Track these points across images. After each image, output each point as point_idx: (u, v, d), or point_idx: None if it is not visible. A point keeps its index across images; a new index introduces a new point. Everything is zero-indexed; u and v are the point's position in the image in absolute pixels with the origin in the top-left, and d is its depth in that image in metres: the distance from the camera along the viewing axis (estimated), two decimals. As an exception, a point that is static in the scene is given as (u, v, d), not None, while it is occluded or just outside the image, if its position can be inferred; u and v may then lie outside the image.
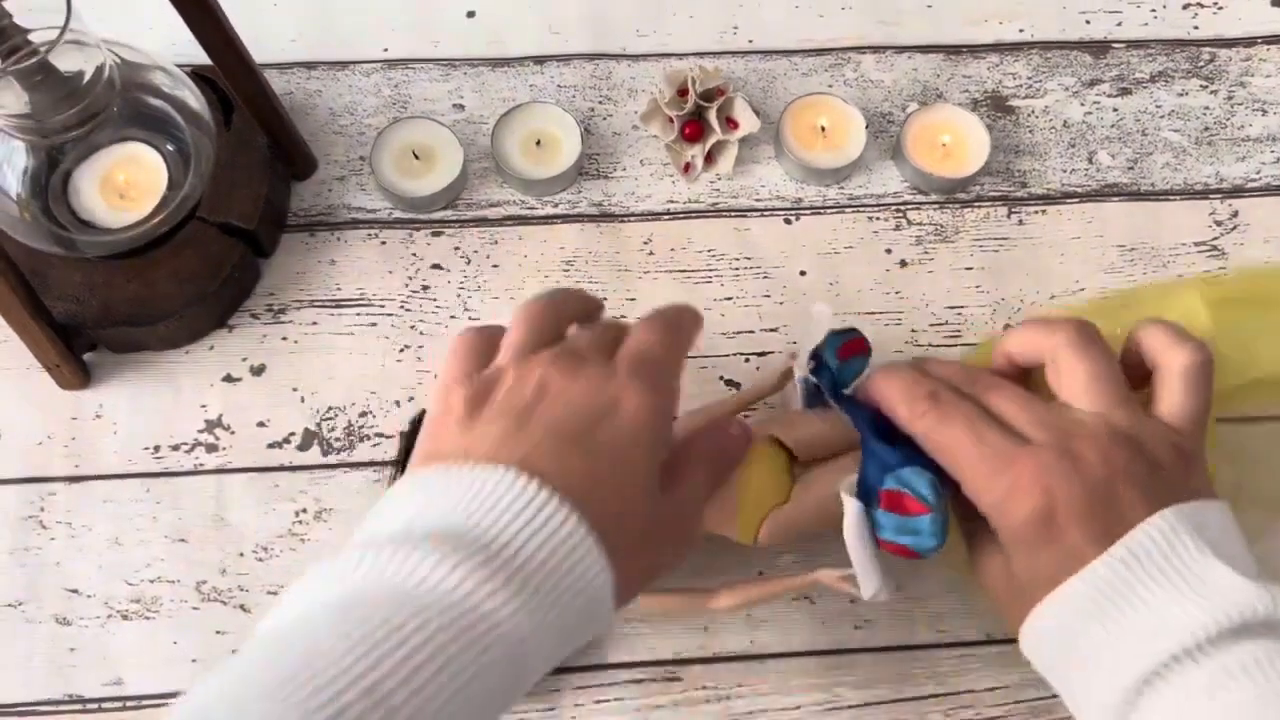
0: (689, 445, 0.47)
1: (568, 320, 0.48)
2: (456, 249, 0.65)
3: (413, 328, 0.63)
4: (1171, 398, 0.46)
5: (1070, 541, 0.43)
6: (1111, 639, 0.42)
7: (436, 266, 0.65)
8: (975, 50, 0.71)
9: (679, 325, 0.48)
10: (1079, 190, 0.67)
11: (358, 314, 0.64)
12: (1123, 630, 0.41)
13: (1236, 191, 0.68)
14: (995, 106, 0.70)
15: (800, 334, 0.51)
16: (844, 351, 0.52)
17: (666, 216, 0.66)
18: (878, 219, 0.66)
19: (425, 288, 0.64)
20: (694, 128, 0.66)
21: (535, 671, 0.40)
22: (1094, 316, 0.51)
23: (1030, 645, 0.45)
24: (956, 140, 0.67)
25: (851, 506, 0.47)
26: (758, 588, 0.53)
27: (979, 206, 0.67)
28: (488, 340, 0.47)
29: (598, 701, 0.56)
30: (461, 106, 0.69)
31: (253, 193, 0.62)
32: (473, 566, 0.37)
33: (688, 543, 0.46)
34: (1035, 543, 0.43)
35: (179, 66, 0.60)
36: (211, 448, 0.60)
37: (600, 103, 0.69)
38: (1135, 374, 0.48)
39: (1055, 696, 0.56)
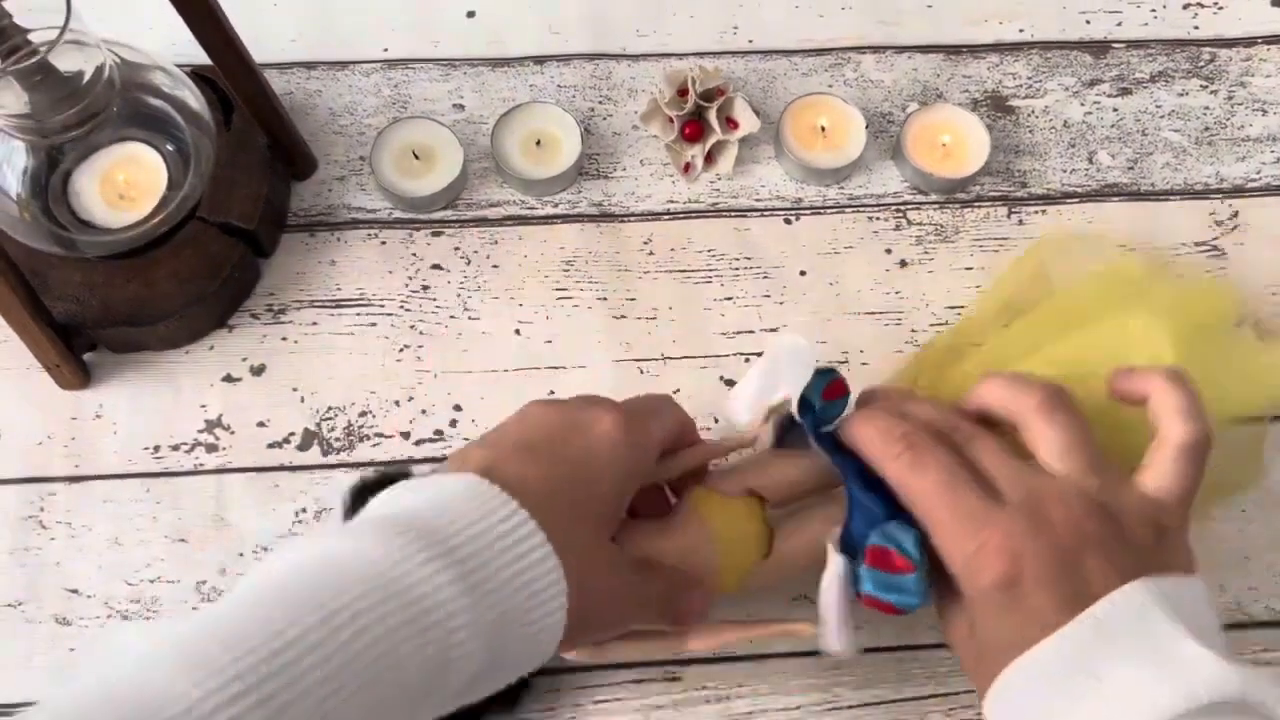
0: (658, 563, 0.48)
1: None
2: (456, 249, 0.65)
3: (413, 328, 0.63)
4: (1161, 470, 0.45)
5: (1036, 606, 0.42)
6: (1078, 712, 0.40)
7: (436, 266, 0.65)
8: (975, 50, 0.71)
9: (663, 400, 0.50)
10: (1079, 190, 0.67)
11: (358, 314, 0.64)
12: (1089, 703, 0.40)
13: (1236, 191, 0.68)
14: (995, 106, 0.70)
15: (772, 367, 0.51)
16: (828, 393, 0.51)
17: (666, 216, 0.66)
18: (878, 219, 0.66)
19: (425, 288, 0.64)
20: (694, 128, 0.66)
21: (462, 660, 0.38)
22: (1038, 330, 0.53)
23: (996, 714, 0.44)
24: (956, 140, 0.67)
25: (835, 563, 0.47)
26: (733, 631, 0.51)
27: (979, 206, 0.67)
28: None
29: (597, 702, 0.56)
30: (461, 106, 0.69)
31: (253, 193, 0.62)
32: (405, 541, 0.38)
33: (629, 609, 0.46)
34: (1000, 607, 0.43)
35: (179, 66, 0.60)
36: (211, 448, 0.60)
37: (600, 103, 0.69)
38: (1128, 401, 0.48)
39: (1055, 696, 0.56)
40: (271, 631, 0.35)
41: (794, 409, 0.50)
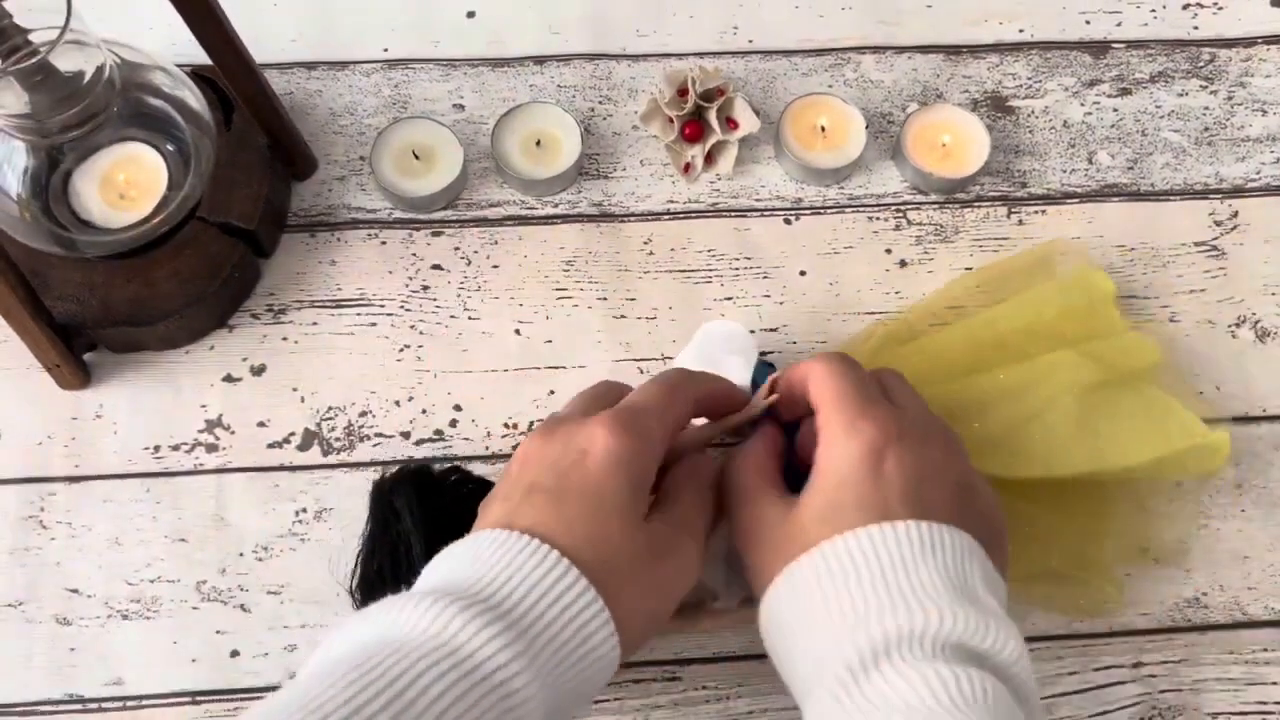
0: (669, 475, 0.48)
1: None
2: (456, 249, 0.65)
3: (413, 328, 0.63)
4: None
5: (885, 493, 0.43)
6: (879, 598, 0.41)
7: (436, 266, 0.65)
8: (975, 50, 0.71)
9: (669, 381, 0.49)
10: (1079, 190, 0.67)
11: (358, 314, 0.64)
12: (890, 594, 0.41)
13: (1236, 191, 0.68)
14: (995, 106, 0.70)
15: (701, 353, 0.53)
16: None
17: (666, 216, 0.66)
18: (878, 219, 0.66)
19: (425, 288, 0.64)
20: (694, 128, 0.66)
21: (525, 712, 0.40)
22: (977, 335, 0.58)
23: (790, 584, 0.44)
24: (956, 140, 0.67)
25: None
26: (741, 611, 0.53)
27: (979, 206, 0.67)
28: None
29: (597, 702, 0.56)
30: (461, 106, 0.69)
31: (253, 193, 0.62)
32: (457, 610, 0.40)
33: (687, 565, 0.47)
34: (855, 475, 0.44)
35: (179, 66, 0.60)
36: (211, 448, 0.60)
37: (600, 103, 0.69)
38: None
39: (1055, 697, 0.56)
40: (344, 699, 0.37)
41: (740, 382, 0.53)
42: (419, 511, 0.53)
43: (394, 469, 0.55)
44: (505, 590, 0.41)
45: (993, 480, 0.53)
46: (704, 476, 0.50)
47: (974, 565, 0.43)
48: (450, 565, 0.43)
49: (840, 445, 0.45)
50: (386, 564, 0.53)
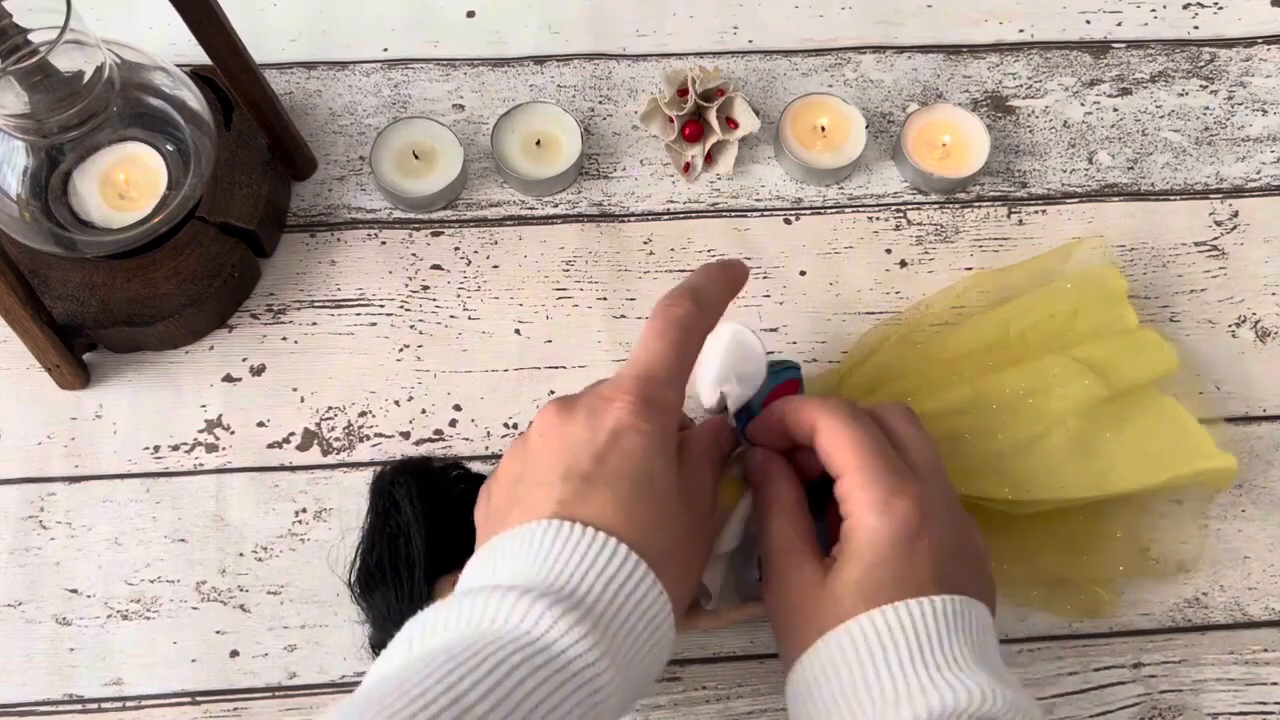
0: (687, 445, 0.48)
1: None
2: (456, 249, 0.65)
3: (412, 328, 0.63)
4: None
5: (920, 572, 0.44)
6: (916, 674, 0.42)
7: (436, 266, 0.65)
8: (975, 50, 0.71)
9: (675, 336, 0.47)
10: (1079, 190, 0.67)
11: (358, 314, 0.64)
12: (928, 669, 0.42)
13: (1236, 191, 0.68)
14: (995, 106, 0.70)
15: (728, 351, 0.52)
16: (776, 394, 0.53)
17: (666, 216, 0.66)
18: (878, 219, 0.66)
19: (425, 288, 0.64)
20: (694, 128, 0.66)
21: (607, 696, 0.41)
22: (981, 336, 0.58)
23: (827, 654, 0.44)
24: (956, 140, 0.67)
25: (734, 528, 0.51)
26: (738, 612, 0.53)
27: (979, 206, 0.67)
28: None
29: (597, 701, 0.56)
30: (461, 106, 0.69)
31: (253, 193, 0.62)
32: (532, 600, 0.40)
33: (707, 536, 0.48)
34: (893, 554, 0.44)
35: (179, 66, 0.60)
36: (211, 448, 0.60)
37: (600, 103, 0.69)
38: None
39: (1055, 697, 0.56)
40: (446, 686, 0.37)
41: (731, 408, 0.52)
42: (419, 503, 0.53)
43: (396, 463, 0.55)
44: (584, 587, 0.41)
45: (997, 501, 0.54)
46: (721, 450, 0.50)
47: (991, 635, 0.45)
48: (520, 556, 0.42)
49: (875, 522, 0.45)
50: (385, 555, 0.53)
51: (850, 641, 0.43)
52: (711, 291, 0.49)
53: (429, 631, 0.41)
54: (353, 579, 0.54)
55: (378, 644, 0.53)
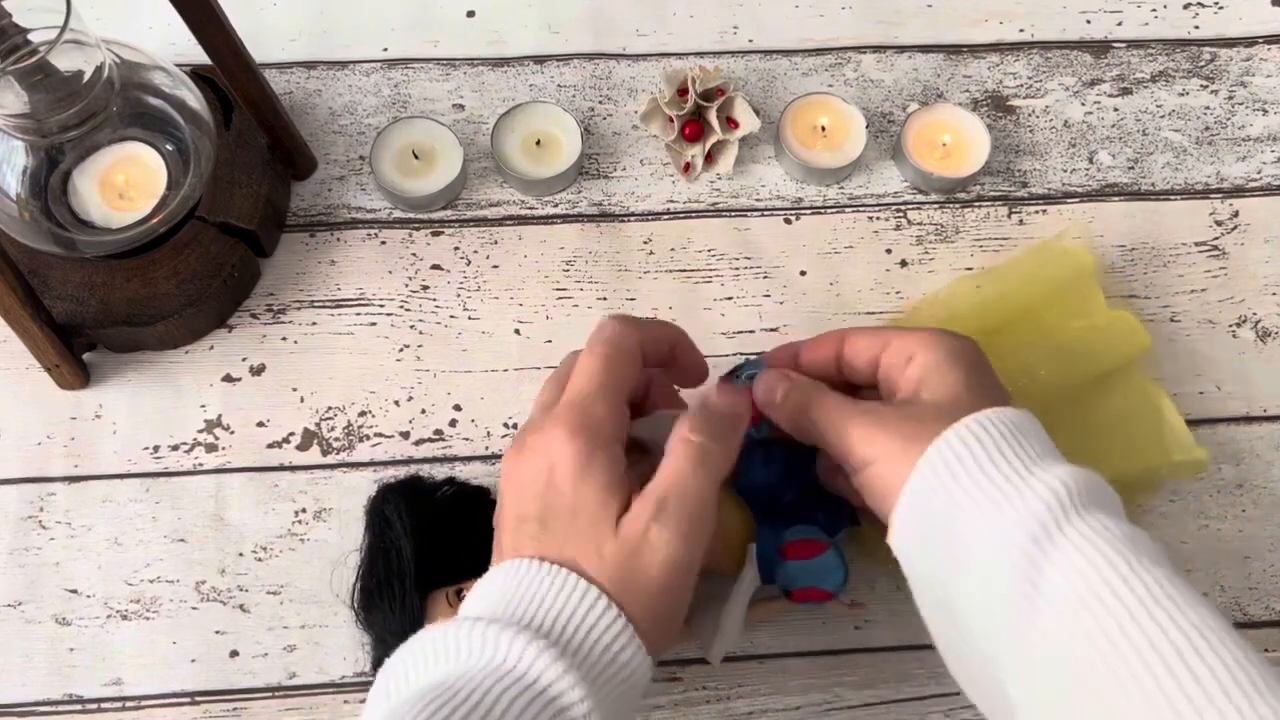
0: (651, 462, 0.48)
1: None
2: (456, 249, 0.65)
3: (412, 328, 0.63)
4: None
5: (986, 384, 0.47)
6: (1024, 465, 0.43)
7: (436, 266, 0.65)
8: (975, 50, 0.71)
9: (604, 350, 0.47)
10: (1079, 190, 0.67)
11: (358, 314, 0.64)
12: (1027, 464, 0.44)
13: (1237, 191, 0.68)
14: (995, 106, 0.69)
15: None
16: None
17: (666, 216, 0.66)
18: (878, 219, 0.66)
19: (425, 288, 0.64)
20: (694, 128, 0.66)
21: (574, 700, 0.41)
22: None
23: (933, 469, 0.44)
24: (956, 140, 0.66)
25: (750, 574, 0.51)
26: (751, 611, 0.53)
27: (979, 206, 0.67)
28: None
29: (597, 701, 0.56)
30: (461, 106, 0.69)
31: (253, 193, 0.62)
32: (498, 629, 0.41)
33: (683, 552, 0.46)
34: (971, 368, 0.47)
35: (179, 66, 0.60)
36: (211, 448, 0.60)
37: (600, 103, 0.69)
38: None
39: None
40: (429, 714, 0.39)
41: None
42: (408, 518, 0.54)
43: (388, 482, 0.56)
44: (540, 614, 0.42)
45: None
46: (695, 453, 0.49)
47: (1045, 435, 0.46)
48: (485, 594, 0.44)
49: (931, 351, 0.47)
50: (381, 573, 0.54)
51: (954, 449, 0.44)
52: (651, 323, 0.50)
53: (406, 677, 0.42)
54: (354, 601, 0.54)
55: (378, 662, 0.54)
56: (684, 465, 0.45)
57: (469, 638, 0.41)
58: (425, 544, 0.54)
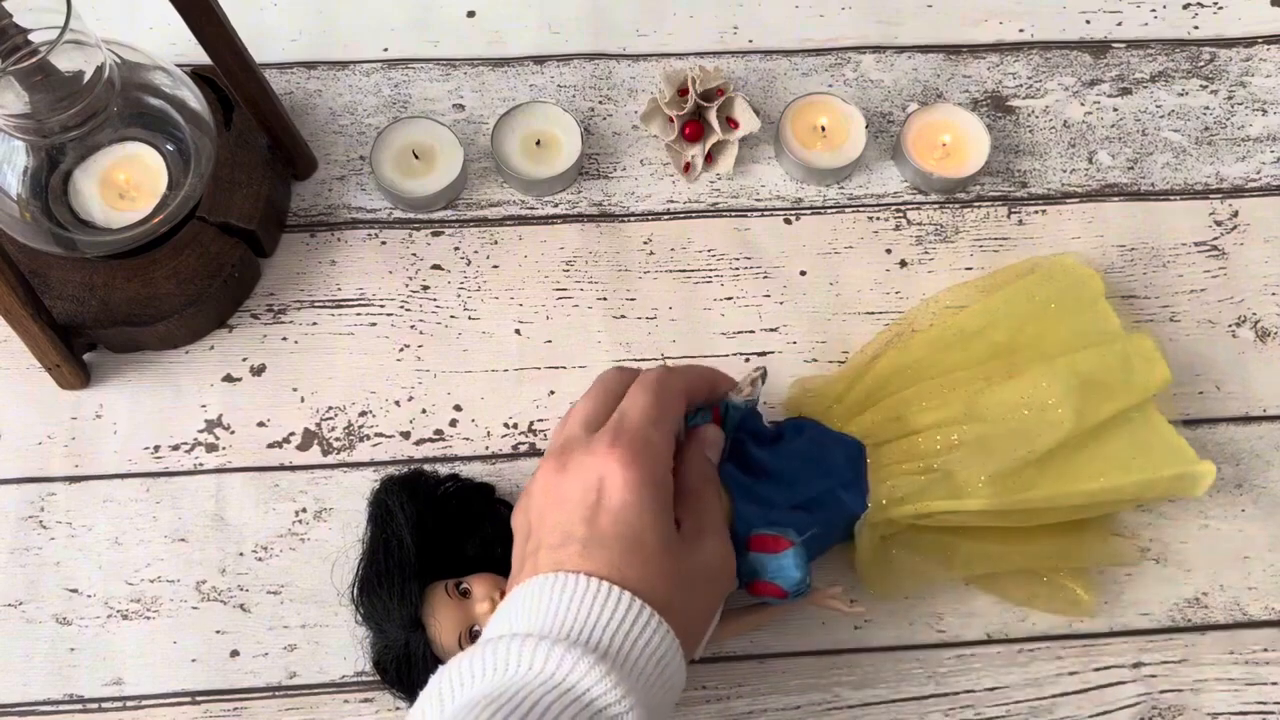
0: (684, 471, 0.50)
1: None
2: (456, 249, 0.65)
3: (413, 328, 0.63)
4: None
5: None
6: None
7: (436, 266, 0.65)
8: (975, 50, 0.71)
9: (656, 386, 0.50)
10: (1079, 190, 0.67)
11: (358, 314, 0.64)
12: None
13: (1236, 191, 0.68)
14: (995, 106, 0.70)
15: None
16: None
17: (666, 216, 0.66)
18: (878, 219, 0.66)
19: (425, 288, 0.64)
20: (694, 128, 0.66)
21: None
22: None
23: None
24: (956, 140, 0.66)
25: None
26: (753, 616, 0.55)
27: (979, 206, 0.67)
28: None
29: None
30: (461, 106, 0.69)
31: (253, 193, 0.62)
32: (549, 646, 0.43)
33: (727, 564, 0.49)
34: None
35: (179, 66, 0.60)
36: (211, 447, 0.60)
37: (600, 103, 0.69)
38: None
39: (1055, 697, 0.56)
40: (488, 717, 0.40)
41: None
42: (410, 510, 0.54)
43: (392, 474, 0.56)
44: (596, 631, 0.43)
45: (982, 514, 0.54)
46: (713, 469, 0.52)
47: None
48: (533, 610, 0.45)
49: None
50: (382, 563, 0.54)
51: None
52: (691, 370, 0.53)
53: (458, 685, 0.43)
54: (355, 594, 0.54)
55: (377, 658, 0.54)
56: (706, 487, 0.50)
57: (532, 655, 0.42)
58: (427, 536, 0.54)
